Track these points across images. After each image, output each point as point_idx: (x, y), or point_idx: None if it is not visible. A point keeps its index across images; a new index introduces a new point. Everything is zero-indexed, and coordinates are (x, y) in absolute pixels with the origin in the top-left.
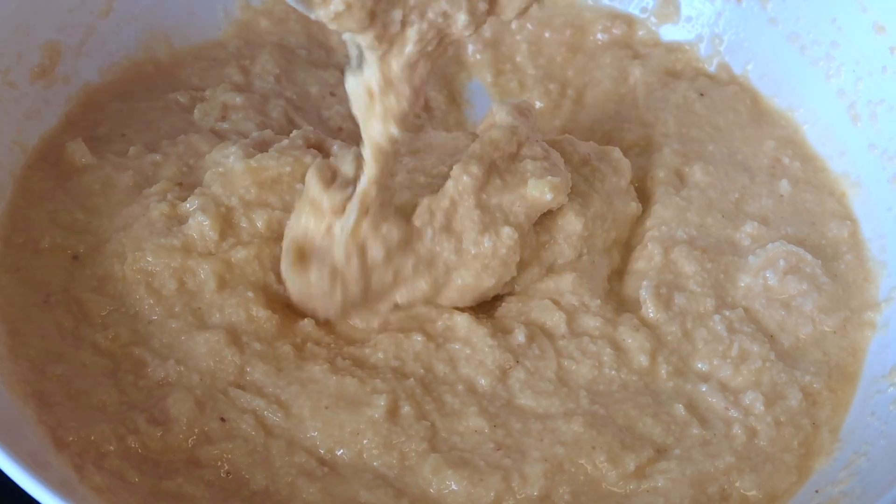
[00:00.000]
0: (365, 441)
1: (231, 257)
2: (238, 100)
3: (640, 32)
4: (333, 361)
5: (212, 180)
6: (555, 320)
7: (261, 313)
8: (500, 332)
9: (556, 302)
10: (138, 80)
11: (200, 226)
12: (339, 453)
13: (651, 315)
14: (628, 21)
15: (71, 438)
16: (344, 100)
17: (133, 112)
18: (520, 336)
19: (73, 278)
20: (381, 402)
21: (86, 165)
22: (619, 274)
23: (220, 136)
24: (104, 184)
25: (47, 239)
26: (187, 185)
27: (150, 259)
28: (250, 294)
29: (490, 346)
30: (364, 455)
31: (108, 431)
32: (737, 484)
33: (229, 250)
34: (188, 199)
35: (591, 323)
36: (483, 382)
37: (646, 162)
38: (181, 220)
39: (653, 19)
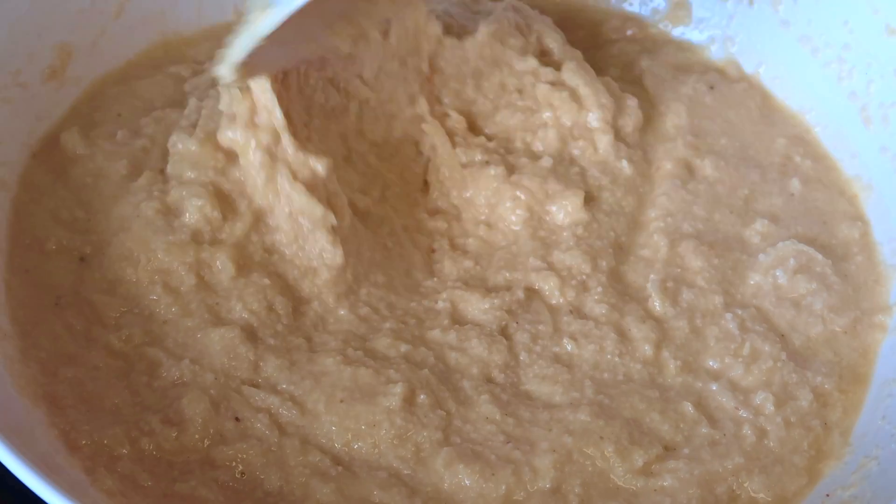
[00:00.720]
0: (381, 432)
1: (236, 236)
2: None
3: (652, 33)
4: (345, 352)
5: (179, 168)
6: (550, 286)
7: (276, 299)
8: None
9: (551, 266)
10: (144, 64)
11: (200, 210)
12: (354, 447)
13: (658, 308)
14: (640, 24)
15: (84, 442)
16: None
17: (132, 91)
18: (518, 292)
19: (83, 280)
20: (398, 390)
21: (79, 156)
22: (624, 254)
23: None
24: (96, 175)
25: (52, 240)
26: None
27: (162, 258)
28: (266, 281)
29: (484, 310)
30: (380, 447)
31: (122, 434)
32: (745, 485)
33: (233, 230)
34: (171, 190)
35: (596, 310)
36: (485, 353)
37: (651, 139)
38: (175, 212)
39: (665, 22)
